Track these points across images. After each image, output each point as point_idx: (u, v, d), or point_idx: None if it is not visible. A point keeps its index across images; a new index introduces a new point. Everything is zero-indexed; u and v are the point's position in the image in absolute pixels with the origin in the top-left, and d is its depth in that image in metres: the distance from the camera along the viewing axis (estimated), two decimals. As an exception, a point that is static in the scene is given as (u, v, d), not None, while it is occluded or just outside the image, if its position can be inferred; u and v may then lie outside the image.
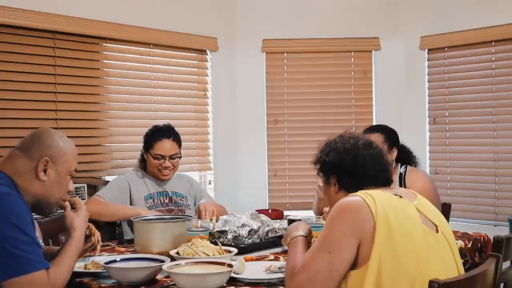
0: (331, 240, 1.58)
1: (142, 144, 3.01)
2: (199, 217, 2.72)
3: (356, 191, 1.67)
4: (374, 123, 4.37)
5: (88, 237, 2.10)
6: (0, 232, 1.60)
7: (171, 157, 2.93)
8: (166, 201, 2.95)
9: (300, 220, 2.30)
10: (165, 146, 2.92)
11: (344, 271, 1.57)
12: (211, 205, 2.81)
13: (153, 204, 2.90)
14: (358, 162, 1.78)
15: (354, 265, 1.57)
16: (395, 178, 2.96)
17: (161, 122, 3.17)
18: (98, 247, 2.03)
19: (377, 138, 2.99)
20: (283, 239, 1.96)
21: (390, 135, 3.05)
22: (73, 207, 1.91)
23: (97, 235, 2.08)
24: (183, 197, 3.01)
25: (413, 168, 3.07)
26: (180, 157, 3.00)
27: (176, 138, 2.99)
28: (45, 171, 1.80)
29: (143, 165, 3.02)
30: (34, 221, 1.75)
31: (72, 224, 1.84)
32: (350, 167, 1.78)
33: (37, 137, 1.84)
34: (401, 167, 3.05)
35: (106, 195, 2.80)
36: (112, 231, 2.92)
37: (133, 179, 2.93)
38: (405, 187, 2.94)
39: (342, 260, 1.56)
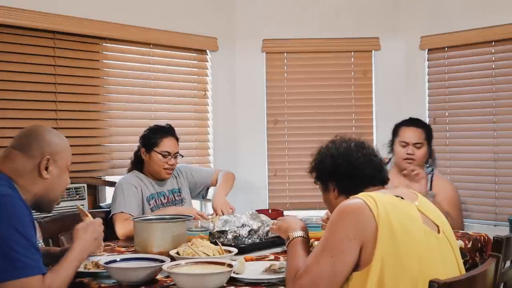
0: (333, 244, 1.58)
1: (141, 144, 3.01)
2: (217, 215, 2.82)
3: (357, 193, 1.67)
4: (374, 123, 4.39)
5: None
6: None
7: (175, 155, 2.98)
8: (165, 201, 3.00)
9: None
10: (171, 143, 2.99)
11: (347, 274, 1.57)
12: (225, 204, 2.91)
13: (155, 205, 2.93)
14: (353, 164, 1.79)
15: (356, 267, 1.57)
16: (425, 177, 2.95)
17: (161, 122, 3.19)
18: (101, 248, 2.05)
19: (420, 134, 3.10)
20: (275, 227, 1.96)
21: (430, 130, 3.21)
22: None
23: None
24: (176, 191, 3.07)
25: (439, 174, 3.18)
26: (182, 156, 3.08)
27: (177, 138, 3.07)
28: (47, 168, 1.80)
29: (139, 166, 3.03)
30: (35, 221, 1.75)
31: (74, 235, 1.86)
32: (346, 170, 1.80)
33: (34, 136, 1.84)
34: (427, 167, 3.13)
35: (128, 208, 2.79)
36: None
37: (136, 181, 2.94)
38: (431, 189, 3.01)
39: (344, 263, 1.56)
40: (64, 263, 1.74)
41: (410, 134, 3.14)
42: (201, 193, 3.28)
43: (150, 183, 2.98)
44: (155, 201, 2.94)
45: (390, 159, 3.29)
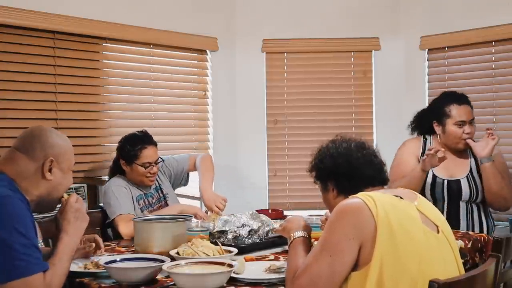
0: (332, 243, 1.58)
1: (120, 156, 2.99)
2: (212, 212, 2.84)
3: (356, 193, 1.67)
4: (374, 123, 4.39)
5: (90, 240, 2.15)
6: None
7: (156, 163, 2.96)
8: (153, 200, 3.03)
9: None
10: (151, 152, 2.95)
11: (345, 274, 1.57)
12: (216, 198, 2.90)
13: (144, 204, 2.95)
14: (353, 164, 1.80)
15: (355, 266, 1.57)
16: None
17: (161, 122, 3.18)
18: (102, 250, 2.05)
19: (470, 109, 3.05)
20: (280, 229, 1.96)
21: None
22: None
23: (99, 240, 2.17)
24: (158, 189, 3.08)
25: None
26: (163, 160, 3.06)
27: (155, 143, 3.02)
28: (50, 170, 1.81)
29: (121, 175, 3.02)
30: (35, 221, 1.75)
31: (58, 226, 1.85)
32: (346, 170, 1.80)
33: (38, 137, 1.84)
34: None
35: (125, 209, 2.80)
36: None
37: (124, 183, 2.95)
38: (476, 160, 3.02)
39: (343, 263, 1.56)
40: (57, 255, 1.74)
41: (465, 113, 3.03)
42: (182, 182, 3.28)
43: (136, 187, 2.98)
44: (144, 201, 2.97)
45: (425, 138, 3.17)
